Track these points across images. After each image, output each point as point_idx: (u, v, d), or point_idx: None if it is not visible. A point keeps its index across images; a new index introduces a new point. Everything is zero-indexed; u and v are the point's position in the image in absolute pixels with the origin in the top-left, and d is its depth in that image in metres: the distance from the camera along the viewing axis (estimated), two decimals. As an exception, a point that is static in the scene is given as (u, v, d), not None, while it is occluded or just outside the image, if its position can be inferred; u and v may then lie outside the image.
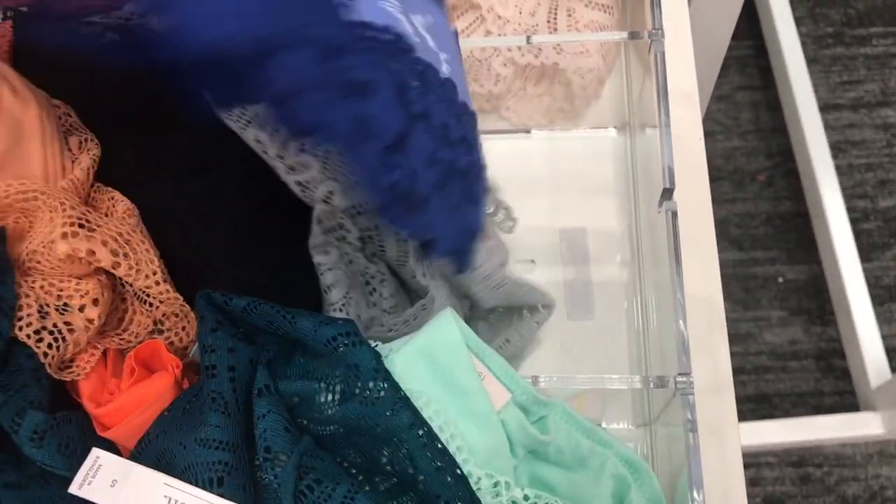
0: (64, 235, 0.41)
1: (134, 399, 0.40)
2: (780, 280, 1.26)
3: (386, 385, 0.37)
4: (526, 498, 0.41)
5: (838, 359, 1.21)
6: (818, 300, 1.24)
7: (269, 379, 0.38)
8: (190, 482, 0.37)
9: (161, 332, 0.45)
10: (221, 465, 0.37)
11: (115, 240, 0.42)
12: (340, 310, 0.42)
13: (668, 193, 0.46)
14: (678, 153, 0.50)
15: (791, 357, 1.22)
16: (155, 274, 0.42)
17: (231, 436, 0.37)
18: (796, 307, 1.24)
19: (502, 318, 0.50)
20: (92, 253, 0.41)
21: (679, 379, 0.43)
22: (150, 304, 0.45)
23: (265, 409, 0.37)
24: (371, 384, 0.37)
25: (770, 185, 1.31)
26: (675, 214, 0.45)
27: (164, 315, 0.45)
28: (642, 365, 0.51)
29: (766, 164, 1.32)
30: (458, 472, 0.38)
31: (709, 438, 0.44)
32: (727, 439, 0.44)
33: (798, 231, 1.28)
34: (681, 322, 0.44)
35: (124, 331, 0.44)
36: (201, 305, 0.40)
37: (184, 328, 0.45)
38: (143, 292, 0.44)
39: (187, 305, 0.43)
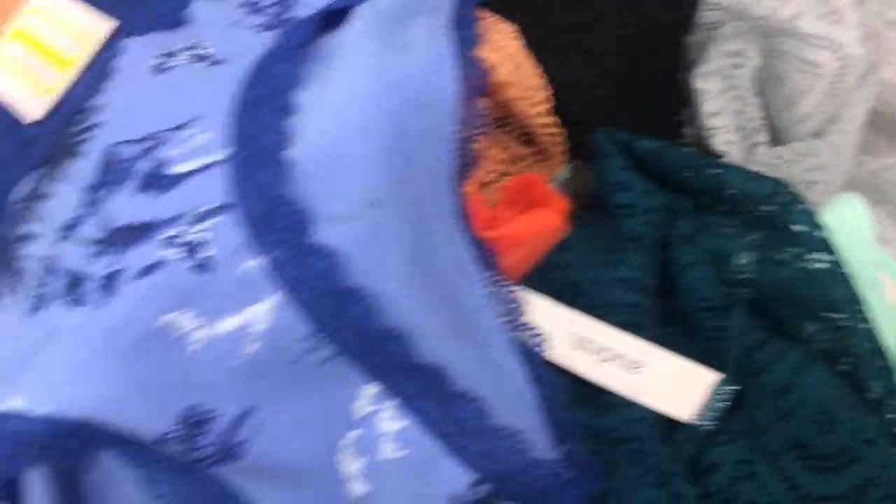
0: (462, 42, 0.37)
1: (523, 230, 0.36)
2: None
3: (829, 256, 0.34)
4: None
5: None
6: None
7: (693, 227, 0.35)
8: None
9: (506, 174, 0.42)
10: (638, 308, 0.33)
11: (509, 58, 0.38)
12: (720, 140, 0.38)
13: None
14: None
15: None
16: (544, 103, 0.39)
17: (650, 279, 0.34)
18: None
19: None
20: (492, 67, 0.37)
21: None
22: (502, 145, 0.42)
23: (693, 257, 0.34)
24: (813, 254, 0.34)
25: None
26: None
27: (510, 157, 0.42)
28: None
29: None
30: (886, 360, 0.34)
31: None
32: None
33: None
34: None
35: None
36: (603, 143, 0.37)
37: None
38: (515, 122, 0.40)
39: (565, 145, 0.40)
